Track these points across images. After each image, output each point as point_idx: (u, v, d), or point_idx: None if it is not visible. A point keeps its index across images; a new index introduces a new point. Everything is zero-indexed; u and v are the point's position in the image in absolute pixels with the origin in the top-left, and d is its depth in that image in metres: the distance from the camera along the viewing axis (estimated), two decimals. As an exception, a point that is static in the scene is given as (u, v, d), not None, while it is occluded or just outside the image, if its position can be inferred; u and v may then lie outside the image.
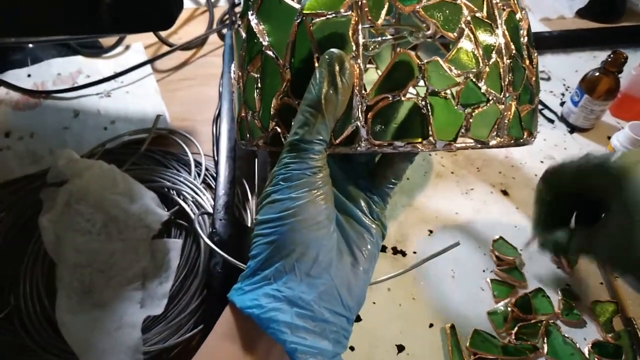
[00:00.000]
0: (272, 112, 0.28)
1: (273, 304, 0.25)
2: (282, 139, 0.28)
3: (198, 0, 0.92)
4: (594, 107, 0.67)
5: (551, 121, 0.73)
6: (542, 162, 0.67)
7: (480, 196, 0.62)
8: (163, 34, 0.81)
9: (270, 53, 0.28)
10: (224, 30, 0.84)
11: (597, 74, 0.66)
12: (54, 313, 0.46)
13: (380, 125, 0.26)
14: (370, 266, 0.29)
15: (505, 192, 0.63)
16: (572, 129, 0.72)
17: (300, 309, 0.25)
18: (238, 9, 0.87)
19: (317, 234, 0.26)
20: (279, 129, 0.28)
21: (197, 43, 0.81)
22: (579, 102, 0.69)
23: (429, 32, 0.27)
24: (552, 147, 0.69)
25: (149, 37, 0.82)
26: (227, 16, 0.86)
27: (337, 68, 0.25)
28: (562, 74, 0.81)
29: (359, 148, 0.26)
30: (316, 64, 0.26)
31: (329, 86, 0.25)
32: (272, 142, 0.29)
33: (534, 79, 0.30)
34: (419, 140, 0.26)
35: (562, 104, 0.76)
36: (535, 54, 0.31)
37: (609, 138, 0.65)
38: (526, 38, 0.30)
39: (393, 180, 0.32)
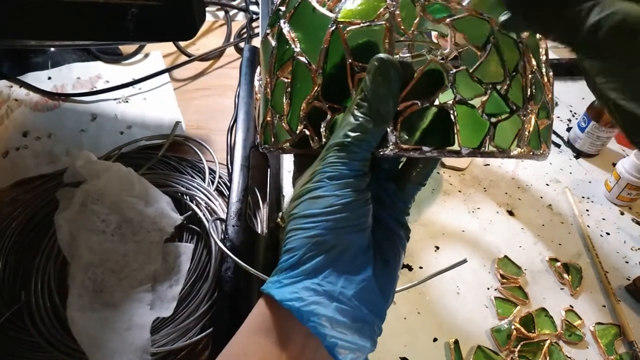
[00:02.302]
0: (301, 116, 0.30)
1: (314, 298, 0.25)
2: (310, 141, 0.30)
3: (216, 14, 0.94)
4: (600, 134, 0.69)
5: (557, 145, 0.74)
6: (547, 184, 0.68)
7: (486, 215, 0.63)
8: (182, 44, 0.83)
9: (302, 59, 0.30)
10: (241, 44, 0.86)
11: (604, 101, 0.68)
12: (65, 311, 0.47)
13: (408, 131, 0.27)
14: (398, 267, 0.30)
15: (511, 213, 0.64)
16: (578, 154, 0.73)
17: (340, 304, 0.25)
18: (255, 24, 0.90)
19: (359, 234, 0.26)
20: (307, 132, 0.30)
21: (215, 55, 0.83)
22: (585, 128, 0.70)
23: (446, 51, 0.28)
24: (557, 170, 0.70)
25: (168, 47, 0.84)
26: (244, 30, 0.89)
27: (391, 73, 0.25)
28: (569, 100, 0.83)
29: (386, 152, 0.27)
30: (349, 70, 0.28)
31: (383, 91, 0.25)
32: (299, 145, 0.30)
33: (550, 95, 0.32)
34: (445, 146, 0.27)
35: (568, 129, 0.77)
36: (551, 73, 0.32)
37: (614, 164, 0.67)
38: (544, 56, 0.31)
39: (418, 184, 0.32)
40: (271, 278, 0.27)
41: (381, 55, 0.26)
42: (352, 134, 0.26)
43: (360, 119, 0.26)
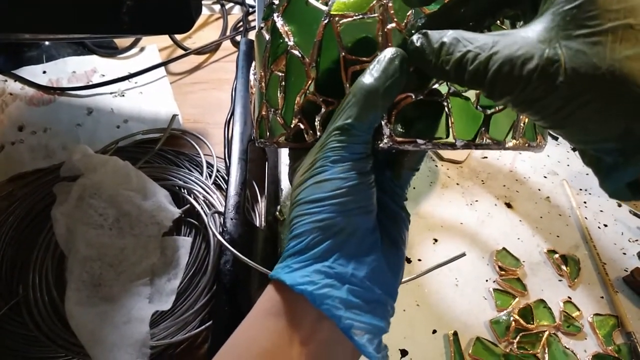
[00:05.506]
0: (295, 109, 0.30)
1: (325, 280, 0.25)
2: (305, 135, 0.29)
3: (212, 7, 0.94)
4: (597, 126, 0.69)
5: (555, 138, 0.74)
6: (545, 177, 0.68)
7: (484, 208, 0.63)
8: (178, 37, 0.83)
9: (295, 52, 0.29)
10: (238, 37, 0.85)
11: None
12: (63, 305, 0.46)
13: (402, 123, 0.27)
14: (405, 246, 0.30)
15: (509, 205, 0.64)
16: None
17: (353, 286, 0.25)
18: (252, 17, 0.89)
19: (365, 216, 0.26)
20: (301, 125, 0.29)
21: (211, 48, 0.83)
22: (582, 120, 0.70)
23: None
24: (555, 163, 0.70)
25: (164, 40, 0.83)
26: (240, 23, 0.88)
27: (400, 65, 0.25)
28: (566, 93, 0.83)
29: (381, 144, 0.27)
30: (342, 63, 0.28)
31: (390, 79, 0.25)
32: (294, 139, 0.30)
33: None
34: (440, 138, 0.27)
35: (565, 122, 0.77)
36: None
37: (612, 157, 0.67)
38: None
39: (412, 169, 0.32)
40: (279, 264, 0.27)
41: (399, 49, 0.26)
42: (354, 116, 0.26)
43: (361, 102, 0.26)
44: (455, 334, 0.49)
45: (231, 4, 0.94)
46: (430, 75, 0.26)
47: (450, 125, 0.27)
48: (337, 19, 0.28)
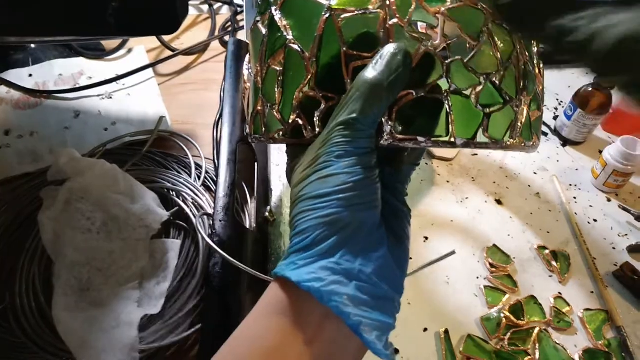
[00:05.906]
0: (294, 105, 0.29)
1: (333, 277, 0.24)
2: (304, 131, 0.29)
3: (201, 8, 0.93)
4: (586, 122, 0.69)
5: (545, 134, 0.75)
6: (535, 173, 0.68)
7: (475, 205, 0.63)
8: (166, 38, 0.82)
9: (295, 47, 0.29)
10: (226, 37, 0.85)
11: (590, 89, 0.68)
12: (51, 310, 0.46)
13: (402, 120, 0.27)
14: (409, 241, 0.30)
15: (499, 202, 0.64)
16: (565, 142, 0.73)
17: (360, 282, 0.25)
18: (240, 17, 0.89)
19: (371, 211, 0.26)
20: (300, 121, 0.29)
21: (199, 49, 0.82)
22: (572, 116, 0.70)
23: (436, 42, 0.28)
24: (545, 159, 0.71)
25: (151, 41, 0.83)
26: (229, 24, 0.88)
27: (404, 59, 0.25)
28: (555, 89, 0.83)
29: (382, 142, 0.27)
30: (343, 58, 0.27)
31: (394, 73, 0.25)
32: (292, 135, 0.30)
33: (541, 87, 0.31)
34: (440, 136, 0.27)
35: (555, 117, 0.77)
36: (542, 64, 0.32)
37: (601, 152, 0.67)
38: (536, 48, 0.31)
39: (412, 164, 0.32)
40: (283, 261, 0.26)
41: (401, 45, 0.26)
42: (359, 111, 0.25)
43: (366, 95, 0.25)
44: (446, 331, 0.49)
45: (219, 4, 0.94)
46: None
47: (450, 123, 0.27)
48: (337, 13, 0.28)
